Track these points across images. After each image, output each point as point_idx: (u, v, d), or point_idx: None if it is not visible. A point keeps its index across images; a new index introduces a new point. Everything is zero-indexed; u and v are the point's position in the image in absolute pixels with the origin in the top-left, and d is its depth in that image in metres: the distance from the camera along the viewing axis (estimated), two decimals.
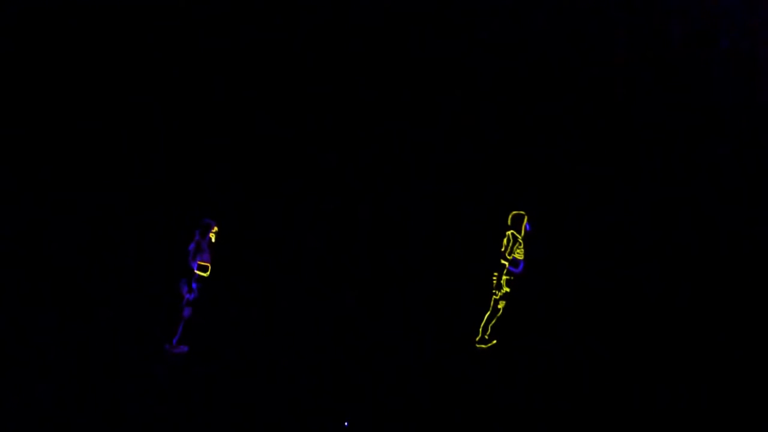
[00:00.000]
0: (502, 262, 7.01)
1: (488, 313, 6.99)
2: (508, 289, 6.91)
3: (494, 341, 7.00)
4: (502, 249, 7.03)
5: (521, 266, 7.00)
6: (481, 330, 7.00)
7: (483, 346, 7.03)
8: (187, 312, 6.44)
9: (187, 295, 6.45)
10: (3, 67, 7.14)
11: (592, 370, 6.27)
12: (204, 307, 6.39)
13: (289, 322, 6.75)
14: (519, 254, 7.03)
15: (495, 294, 6.99)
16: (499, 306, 6.99)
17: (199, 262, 6.42)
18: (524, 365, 6.29)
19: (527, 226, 7.10)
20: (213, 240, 6.55)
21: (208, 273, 6.36)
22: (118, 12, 7.36)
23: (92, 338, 6.12)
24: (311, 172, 7.70)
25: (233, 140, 7.79)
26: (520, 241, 7.01)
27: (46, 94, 7.50)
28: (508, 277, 6.98)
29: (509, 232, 7.07)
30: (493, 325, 6.96)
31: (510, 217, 7.14)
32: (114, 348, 5.82)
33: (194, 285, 6.42)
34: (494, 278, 7.01)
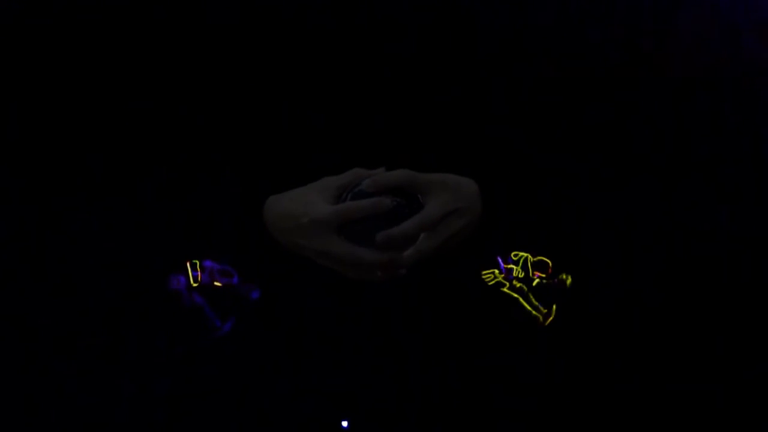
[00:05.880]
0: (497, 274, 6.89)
1: (519, 297, 6.79)
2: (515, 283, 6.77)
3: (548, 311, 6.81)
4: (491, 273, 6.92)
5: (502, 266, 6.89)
6: (534, 310, 6.78)
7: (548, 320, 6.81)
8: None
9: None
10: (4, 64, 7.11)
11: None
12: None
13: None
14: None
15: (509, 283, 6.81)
16: (517, 285, 6.78)
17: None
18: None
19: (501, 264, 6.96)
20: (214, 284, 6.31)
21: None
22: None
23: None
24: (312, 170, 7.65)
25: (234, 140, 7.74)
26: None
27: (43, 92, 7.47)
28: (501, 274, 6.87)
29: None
30: (533, 302, 6.80)
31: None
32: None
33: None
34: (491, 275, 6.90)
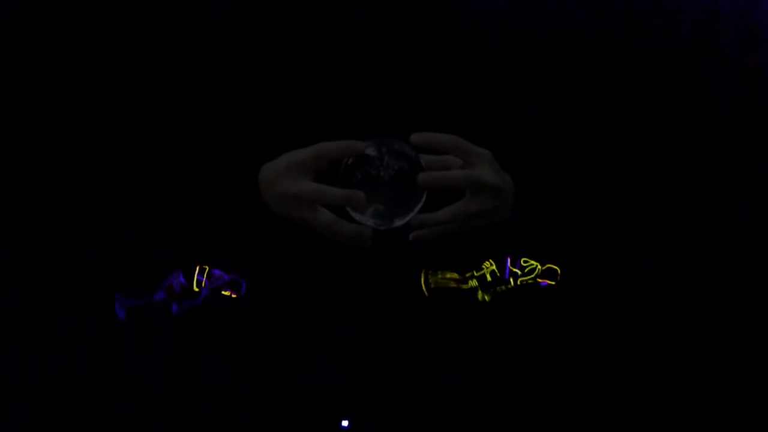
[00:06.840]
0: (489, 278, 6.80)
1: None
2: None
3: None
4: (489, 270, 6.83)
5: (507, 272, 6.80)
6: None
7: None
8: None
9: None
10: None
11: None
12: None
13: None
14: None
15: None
16: (471, 283, 6.67)
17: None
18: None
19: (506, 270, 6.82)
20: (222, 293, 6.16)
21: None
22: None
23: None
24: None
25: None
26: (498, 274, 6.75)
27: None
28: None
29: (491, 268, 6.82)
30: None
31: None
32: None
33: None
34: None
